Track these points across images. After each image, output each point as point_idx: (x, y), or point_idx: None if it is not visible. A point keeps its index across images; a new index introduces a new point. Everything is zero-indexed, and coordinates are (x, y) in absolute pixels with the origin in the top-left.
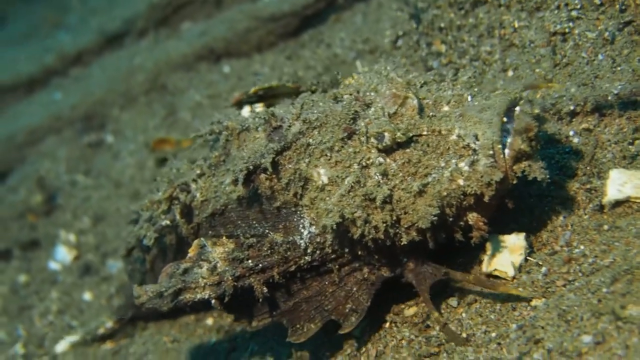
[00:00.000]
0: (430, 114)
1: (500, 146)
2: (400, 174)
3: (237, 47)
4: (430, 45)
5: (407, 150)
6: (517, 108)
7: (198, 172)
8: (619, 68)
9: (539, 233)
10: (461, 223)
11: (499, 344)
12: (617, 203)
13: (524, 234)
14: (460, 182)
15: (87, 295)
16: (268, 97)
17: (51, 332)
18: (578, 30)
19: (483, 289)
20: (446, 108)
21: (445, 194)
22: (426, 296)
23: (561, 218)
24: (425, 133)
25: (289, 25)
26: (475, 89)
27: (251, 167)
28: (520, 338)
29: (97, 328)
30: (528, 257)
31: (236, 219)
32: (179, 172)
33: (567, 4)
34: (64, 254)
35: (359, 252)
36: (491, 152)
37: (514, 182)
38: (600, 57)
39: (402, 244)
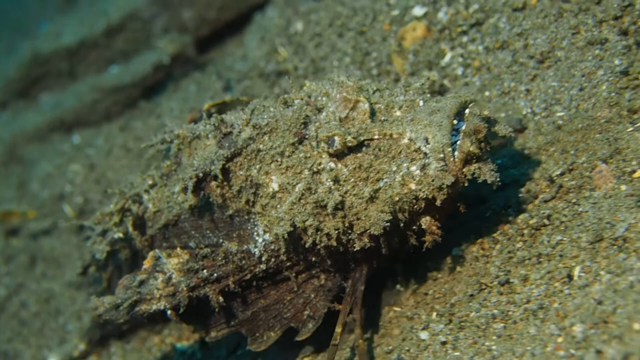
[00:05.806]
0: (382, 118)
1: (450, 149)
2: (352, 180)
3: (86, 117)
4: None
5: (359, 154)
6: (467, 110)
7: (150, 182)
8: None
9: None
10: (414, 228)
11: None
12: None
13: None
14: (412, 186)
15: None
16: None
17: None
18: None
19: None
20: (398, 113)
21: (397, 199)
22: (342, 318)
23: None
24: (376, 137)
25: (132, 95)
26: (427, 95)
27: (201, 174)
28: None
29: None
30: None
31: (189, 229)
32: (132, 184)
33: (350, 76)
34: None
35: (313, 259)
36: (441, 155)
37: (465, 184)
38: None
39: (354, 250)
